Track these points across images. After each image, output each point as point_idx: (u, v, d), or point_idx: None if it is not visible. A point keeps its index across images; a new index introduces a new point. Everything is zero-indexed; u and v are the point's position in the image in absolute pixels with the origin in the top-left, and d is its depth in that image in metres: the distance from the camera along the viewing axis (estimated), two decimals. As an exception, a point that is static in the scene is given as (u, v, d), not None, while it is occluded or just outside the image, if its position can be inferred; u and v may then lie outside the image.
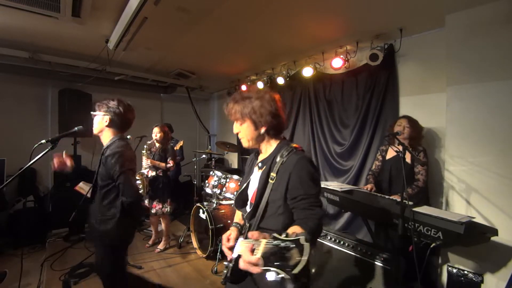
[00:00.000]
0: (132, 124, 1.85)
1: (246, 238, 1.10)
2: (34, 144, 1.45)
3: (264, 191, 1.14)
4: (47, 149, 1.44)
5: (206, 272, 2.81)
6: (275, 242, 0.75)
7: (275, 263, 0.72)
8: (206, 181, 3.50)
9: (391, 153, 2.49)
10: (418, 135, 2.43)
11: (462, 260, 2.21)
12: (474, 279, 2.11)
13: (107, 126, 1.73)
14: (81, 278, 2.64)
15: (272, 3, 2.30)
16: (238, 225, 1.33)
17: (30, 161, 1.42)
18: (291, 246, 0.71)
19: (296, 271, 0.68)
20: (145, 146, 3.23)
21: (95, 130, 1.77)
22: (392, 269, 1.86)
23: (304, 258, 0.68)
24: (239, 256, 1.02)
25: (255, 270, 0.80)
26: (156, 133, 3.24)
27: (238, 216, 1.41)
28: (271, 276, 0.72)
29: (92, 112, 1.78)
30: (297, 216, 1.07)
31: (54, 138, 1.49)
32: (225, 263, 1.27)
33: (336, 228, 3.32)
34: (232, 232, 1.28)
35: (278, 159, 1.14)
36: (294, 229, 0.95)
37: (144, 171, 3.19)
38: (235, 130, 1.24)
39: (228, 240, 1.25)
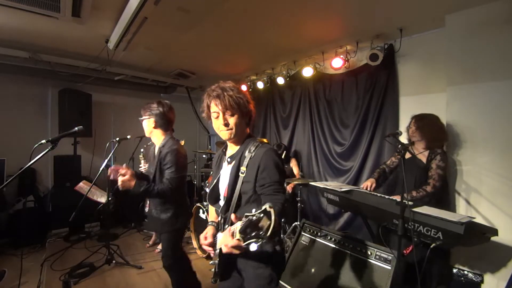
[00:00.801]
0: (174, 122, 2.06)
1: (223, 230, 1.21)
2: (34, 144, 1.44)
3: (235, 184, 1.22)
4: (47, 149, 1.44)
5: (206, 272, 2.80)
6: (247, 219, 0.87)
7: (252, 235, 0.83)
8: (206, 181, 3.50)
9: (408, 154, 2.35)
10: (434, 135, 2.18)
11: (462, 260, 2.22)
12: (474, 279, 2.11)
13: (154, 127, 1.95)
14: (81, 278, 2.64)
15: (272, 3, 2.30)
16: (213, 223, 1.35)
17: (30, 161, 1.42)
18: (261, 216, 0.84)
19: (268, 233, 0.80)
20: (141, 150, 3.18)
21: (146, 133, 2.01)
22: (392, 269, 1.86)
23: (272, 221, 0.81)
24: (221, 249, 1.12)
25: (237, 251, 0.90)
26: None
27: (212, 215, 1.45)
28: (253, 247, 0.84)
29: (139, 118, 2.01)
30: (265, 200, 1.14)
31: (54, 138, 1.48)
32: (211, 262, 1.31)
33: (336, 228, 3.32)
34: (208, 230, 1.32)
35: (246, 154, 1.22)
36: None
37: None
38: (222, 122, 1.20)
39: (206, 238, 1.29)
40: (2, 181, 3.28)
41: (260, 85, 4.25)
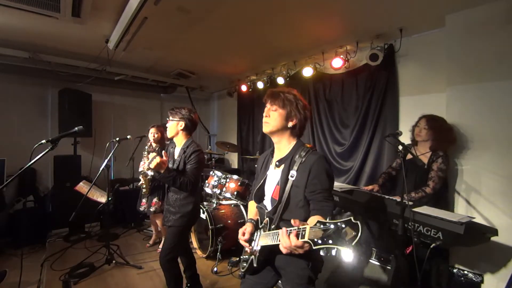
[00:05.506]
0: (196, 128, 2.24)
1: (269, 230, 1.26)
2: (34, 144, 1.44)
3: (285, 187, 1.26)
4: (47, 149, 1.44)
5: (206, 272, 2.81)
6: (323, 226, 0.90)
7: (330, 241, 0.87)
8: (206, 181, 3.49)
9: (409, 155, 2.35)
10: (442, 137, 2.17)
11: (462, 260, 2.22)
12: (474, 279, 2.11)
13: (181, 130, 2.13)
14: (81, 278, 2.64)
15: (272, 3, 2.30)
16: (252, 221, 1.41)
17: (30, 161, 1.42)
18: (343, 226, 0.86)
19: (353, 243, 0.83)
20: (145, 147, 3.19)
21: (170, 134, 2.17)
22: (392, 269, 1.86)
23: (359, 233, 0.84)
24: (264, 247, 1.24)
25: (299, 251, 0.98)
26: (153, 134, 3.23)
27: (252, 212, 1.49)
28: (323, 252, 0.88)
29: (167, 119, 2.18)
30: (314, 206, 1.19)
31: (54, 138, 1.49)
32: (244, 256, 1.37)
33: (336, 228, 3.31)
34: (247, 226, 1.38)
35: (296, 158, 1.27)
36: (316, 218, 1.04)
37: (148, 172, 3.14)
38: (265, 113, 1.34)
39: (244, 234, 1.35)
40: (2, 181, 3.27)
41: (260, 85, 4.25)
